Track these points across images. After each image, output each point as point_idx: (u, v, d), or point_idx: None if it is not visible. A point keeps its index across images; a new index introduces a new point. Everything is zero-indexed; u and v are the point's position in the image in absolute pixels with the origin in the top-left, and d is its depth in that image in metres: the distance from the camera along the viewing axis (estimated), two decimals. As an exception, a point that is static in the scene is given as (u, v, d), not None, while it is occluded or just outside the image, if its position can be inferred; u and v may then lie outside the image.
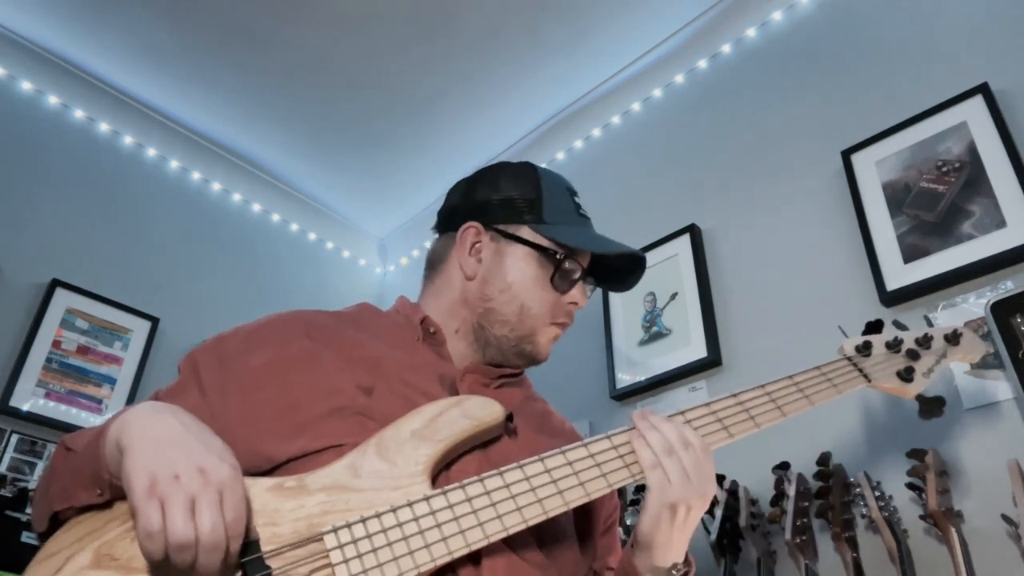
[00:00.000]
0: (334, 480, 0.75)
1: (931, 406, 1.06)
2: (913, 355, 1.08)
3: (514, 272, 0.97)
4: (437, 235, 1.07)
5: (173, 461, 0.65)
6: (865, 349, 1.07)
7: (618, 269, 1.06)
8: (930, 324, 1.15)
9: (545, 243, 0.97)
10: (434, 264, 1.05)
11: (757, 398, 0.95)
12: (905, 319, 1.21)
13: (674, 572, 0.83)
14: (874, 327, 1.12)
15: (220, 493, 0.65)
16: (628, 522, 1.54)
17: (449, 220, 1.04)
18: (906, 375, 1.05)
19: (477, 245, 1.00)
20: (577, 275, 0.99)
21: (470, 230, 1.00)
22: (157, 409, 0.73)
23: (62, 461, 0.79)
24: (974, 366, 1.40)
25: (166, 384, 0.91)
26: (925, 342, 1.10)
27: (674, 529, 0.81)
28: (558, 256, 0.97)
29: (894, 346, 1.08)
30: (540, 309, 0.97)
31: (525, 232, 0.98)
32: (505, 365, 0.99)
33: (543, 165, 2.85)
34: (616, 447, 0.84)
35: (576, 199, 1.04)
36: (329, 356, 0.88)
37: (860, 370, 1.05)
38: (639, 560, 0.84)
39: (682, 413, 0.90)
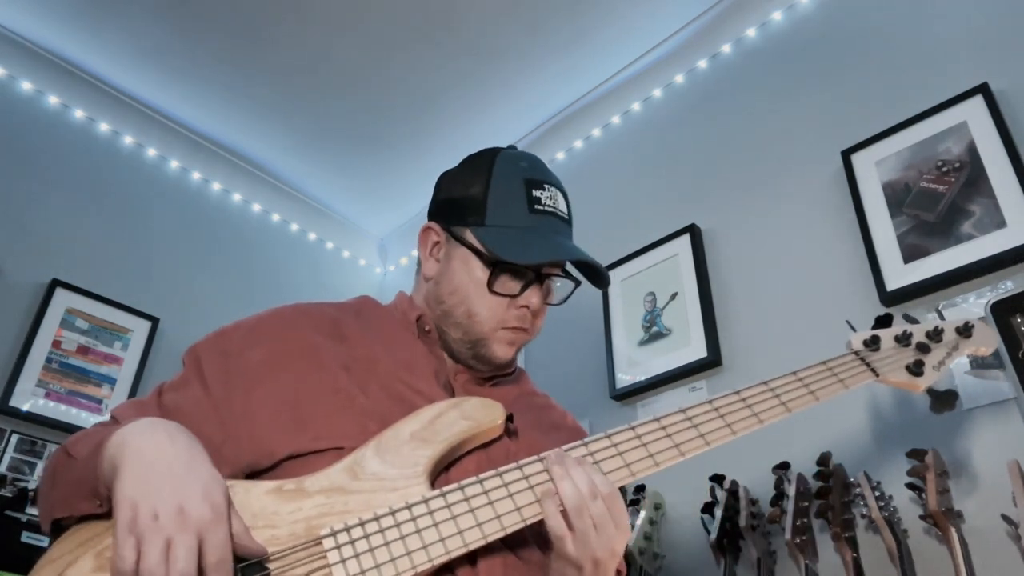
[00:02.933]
0: (332, 482, 0.75)
1: (943, 400, 1.03)
2: (923, 348, 1.05)
3: (460, 275, 0.94)
4: None
5: (155, 496, 0.65)
6: (873, 343, 1.05)
7: (588, 267, 0.99)
8: (941, 317, 1.12)
9: (482, 248, 0.93)
10: (417, 266, 1.05)
11: (760, 394, 0.94)
12: (905, 319, 1.21)
13: None
14: (883, 321, 1.10)
15: (199, 535, 0.64)
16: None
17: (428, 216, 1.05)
18: (916, 369, 1.02)
19: (436, 246, 0.99)
20: (521, 280, 0.93)
21: (429, 231, 1.00)
22: (153, 430, 0.72)
23: (64, 467, 0.79)
24: (974, 366, 1.40)
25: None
26: (936, 335, 1.06)
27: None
28: (495, 261, 0.92)
29: (903, 340, 1.05)
30: (485, 314, 0.93)
31: (467, 235, 0.95)
32: (460, 359, 0.97)
33: (543, 165, 2.86)
34: (615, 445, 0.84)
35: (536, 192, 0.96)
36: (331, 351, 0.89)
37: (868, 364, 1.02)
38: None
39: (684, 411, 0.89)
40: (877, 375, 1.02)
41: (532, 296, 0.94)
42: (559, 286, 1.00)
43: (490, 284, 0.93)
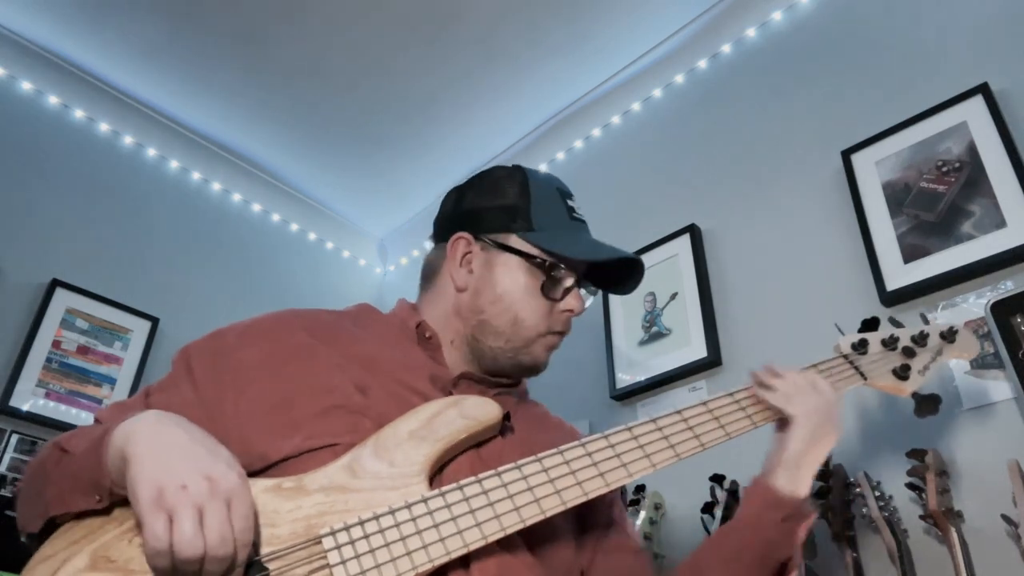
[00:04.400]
0: (331, 481, 0.75)
1: (926, 404, 1.05)
2: (909, 353, 1.07)
3: (505, 282, 0.94)
4: (432, 244, 1.06)
5: (180, 471, 0.64)
6: (861, 347, 1.06)
7: (617, 272, 1.04)
8: (926, 321, 1.13)
9: (534, 252, 0.94)
10: (428, 275, 1.03)
11: (751, 396, 0.95)
12: (905, 319, 1.21)
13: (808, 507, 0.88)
14: (870, 325, 1.11)
15: (228, 502, 0.64)
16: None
17: (441, 230, 1.03)
18: (902, 373, 1.04)
19: (467, 256, 0.98)
20: (570, 283, 0.97)
21: (460, 241, 0.98)
22: (162, 419, 0.72)
23: (56, 464, 0.78)
24: (974, 365, 1.40)
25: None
26: (921, 340, 1.08)
27: (816, 453, 0.90)
28: (548, 264, 0.94)
29: (890, 344, 1.07)
30: (533, 319, 0.94)
31: (514, 241, 0.95)
32: (502, 376, 0.98)
33: (543, 165, 2.88)
34: (613, 446, 0.84)
35: (569, 202, 1.01)
36: (325, 353, 0.88)
37: (856, 368, 1.03)
38: (782, 481, 0.87)
39: (682, 411, 0.91)
40: (866, 379, 1.03)
41: (575, 300, 0.98)
42: (583, 294, 1.03)
43: (544, 288, 0.95)
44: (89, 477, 0.71)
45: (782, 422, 0.93)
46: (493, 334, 0.94)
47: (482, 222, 0.98)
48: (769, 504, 0.86)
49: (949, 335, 1.11)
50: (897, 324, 1.12)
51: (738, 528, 0.89)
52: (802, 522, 0.86)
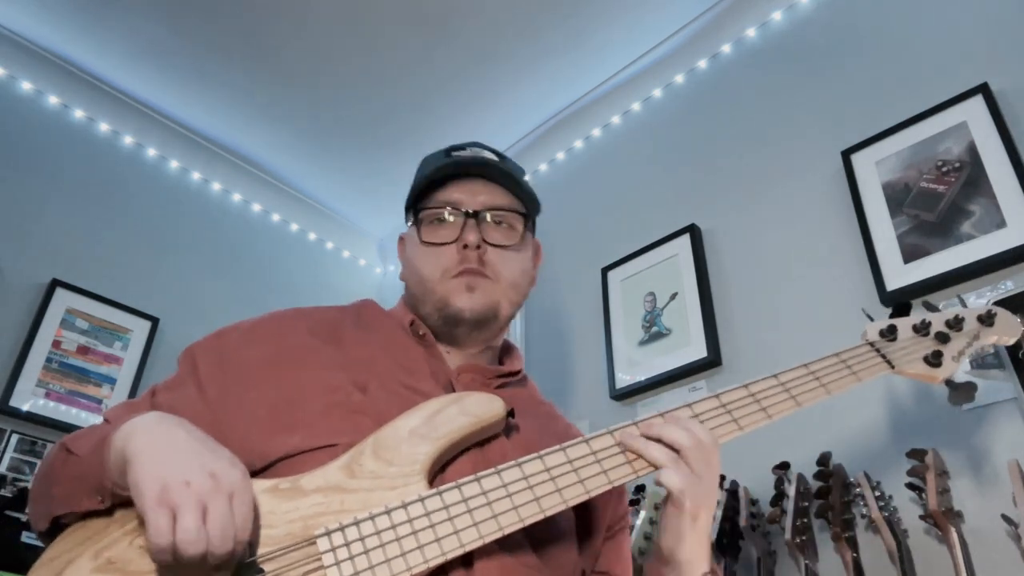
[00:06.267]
0: (328, 481, 0.74)
1: (962, 391, 0.98)
2: (943, 338, 1.00)
3: (407, 252, 1.00)
4: None
5: (184, 467, 0.65)
6: (890, 333, 1.00)
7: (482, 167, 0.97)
8: (964, 305, 1.08)
9: (407, 212, 0.99)
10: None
11: (769, 388, 0.90)
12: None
13: None
14: (901, 310, 1.05)
15: (231, 497, 0.65)
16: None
17: None
18: (934, 360, 0.97)
19: (401, 253, 1.04)
20: (441, 214, 0.94)
21: (400, 243, 1.05)
22: (163, 420, 0.72)
23: (63, 464, 0.78)
24: (974, 366, 1.40)
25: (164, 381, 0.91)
26: (956, 324, 1.01)
27: (696, 535, 0.77)
28: (413, 212, 0.97)
29: (922, 329, 1.00)
30: (430, 268, 0.93)
31: (409, 217, 1.01)
32: (455, 341, 0.95)
33: (543, 165, 2.89)
34: (619, 442, 0.83)
35: (455, 151, 0.98)
36: (326, 353, 0.88)
37: (883, 356, 0.97)
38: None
39: (689, 406, 0.85)
40: (892, 367, 0.97)
41: (467, 234, 0.92)
42: (505, 227, 0.96)
43: (420, 235, 0.95)
44: (92, 478, 0.72)
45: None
46: (420, 303, 0.95)
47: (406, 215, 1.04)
48: None
49: (987, 318, 1.03)
50: (932, 308, 1.06)
51: None
52: None
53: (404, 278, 1.01)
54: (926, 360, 0.98)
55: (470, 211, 0.93)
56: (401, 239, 1.05)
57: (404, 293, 1.03)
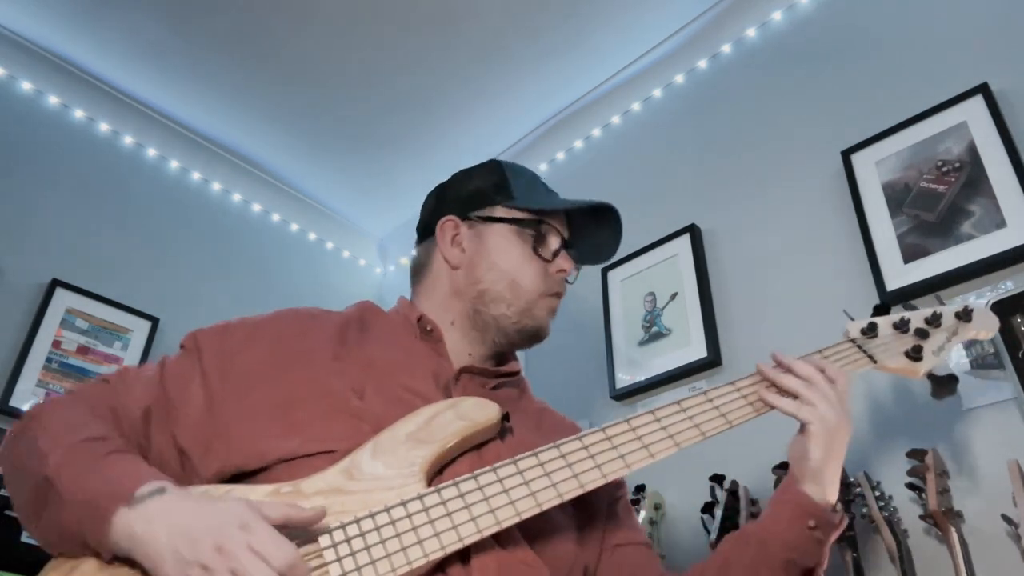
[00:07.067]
0: (329, 484, 0.75)
1: (943, 384, 1.01)
2: (922, 334, 1.03)
3: (497, 251, 0.99)
4: (417, 246, 1.10)
5: (206, 539, 0.64)
6: (871, 331, 1.03)
7: (598, 242, 1.08)
8: (941, 303, 1.10)
9: (520, 215, 1.00)
10: (419, 269, 1.06)
11: (752, 384, 0.94)
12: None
13: (836, 510, 0.87)
14: (881, 310, 1.08)
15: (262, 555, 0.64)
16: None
17: (427, 226, 1.07)
18: (914, 354, 1.00)
19: (456, 236, 1.02)
20: (557, 241, 1.01)
21: (448, 223, 1.02)
22: (156, 510, 0.67)
23: (44, 501, 0.71)
24: (974, 365, 1.40)
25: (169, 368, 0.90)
26: (935, 321, 1.04)
27: (836, 455, 0.87)
28: (535, 224, 1.00)
29: (901, 326, 1.03)
30: (531, 281, 0.98)
31: (499, 211, 1.00)
32: (507, 348, 1.00)
33: (543, 165, 2.89)
34: (610, 438, 0.84)
35: (543, 182, 1.09)
36: (325, 356, 0.89)
37: (865, 352, 1.00)
38: (811, 489, 0.86)
39: (679, 404, 0.92)
40: (875, 362, 1.00)
41: (565, 261, 1.01)
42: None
43: (535, 248, 0.99)
44: (82, 539, 0.69)
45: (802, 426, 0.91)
46: (495, 301, 0.97)
47: (465, 205, 1.03)
48: (800, 512, 0.85)
49: (964, 314, 1.06)
50: (910, 307, 1.08)
51: (765, 535, 0.87)
52: (832, 531, 0.85)
53: (470, 266, 0.99)
54: (907, 355, 1.01)
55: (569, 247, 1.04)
56: (448, 223, 1.02)
57: (437, 285, 1.02)
